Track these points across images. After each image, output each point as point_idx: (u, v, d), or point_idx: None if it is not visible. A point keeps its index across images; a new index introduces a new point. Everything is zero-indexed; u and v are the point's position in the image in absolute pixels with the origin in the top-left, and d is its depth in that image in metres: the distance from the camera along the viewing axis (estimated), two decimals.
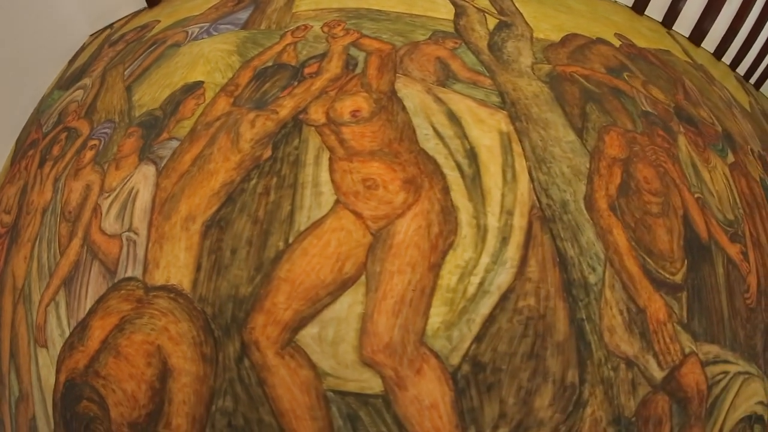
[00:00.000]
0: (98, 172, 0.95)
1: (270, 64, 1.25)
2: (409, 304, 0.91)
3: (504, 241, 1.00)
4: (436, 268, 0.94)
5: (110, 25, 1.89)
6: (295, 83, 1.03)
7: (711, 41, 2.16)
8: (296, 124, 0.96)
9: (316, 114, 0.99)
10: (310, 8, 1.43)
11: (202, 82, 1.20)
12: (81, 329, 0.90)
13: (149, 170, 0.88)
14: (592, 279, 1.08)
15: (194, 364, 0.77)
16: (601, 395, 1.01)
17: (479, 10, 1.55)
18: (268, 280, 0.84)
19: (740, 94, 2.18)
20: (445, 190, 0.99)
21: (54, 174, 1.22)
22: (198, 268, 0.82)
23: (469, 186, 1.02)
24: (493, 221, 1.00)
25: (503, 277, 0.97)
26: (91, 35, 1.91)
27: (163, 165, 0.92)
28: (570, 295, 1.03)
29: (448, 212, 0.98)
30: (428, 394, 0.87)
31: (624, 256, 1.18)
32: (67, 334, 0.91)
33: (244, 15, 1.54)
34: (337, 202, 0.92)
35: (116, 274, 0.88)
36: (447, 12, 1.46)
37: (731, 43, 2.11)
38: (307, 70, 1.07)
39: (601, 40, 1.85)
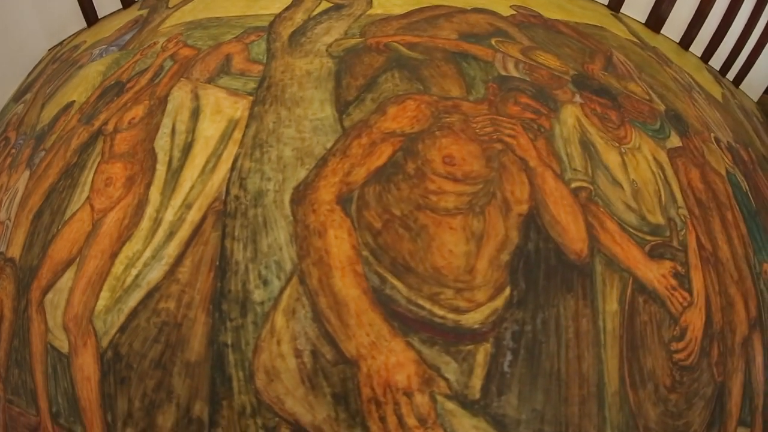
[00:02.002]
0: (7, 175, 1.11)
1: (113, 82, 1.11)
2: (92, 285, 0.73)
3: (170, 236, 0.66)
4: (114, 257, 0.71)
5: (61, 42, 1.53)
6: (115, 98, 0.93)
7: (699, 44, 1.58)
8: (98, 134, 0.87)
9: (111, 124, 0.89)
10: (171, 24, 1.22)
11: (74, 101, 1.13)
12: None
13: (26, 174, 1.00)
14: (258, 295, 0.58)
15: (10, 313, 0.83)
16: None
17: None
18: (43, 255, 0.82)
19: (712, 86, 1.51)
20: (148, 185, 0.73)
21: None
22: (24, 246, 0.87)
23: (168, 180, 0.72)
24: (169, 215, 0.67)
25: (154, 274, 0.64)
26: (49, 50, 1.55)
27: (33, 170, 1.01)
28: (218, 310, 0.57)
29: (141, 206, 0.72)
30: (86, 367, 0.68)
31: (335, 272, 0.56)
32: None
33: (128, 36, 1.27)
34: (87, 198, 0.79)
35: None
36: (280, 6, 1.04)
37: (718, 45, 1.56)
38: (128, 85, 0.96)
39: (478, 10, 1.18)
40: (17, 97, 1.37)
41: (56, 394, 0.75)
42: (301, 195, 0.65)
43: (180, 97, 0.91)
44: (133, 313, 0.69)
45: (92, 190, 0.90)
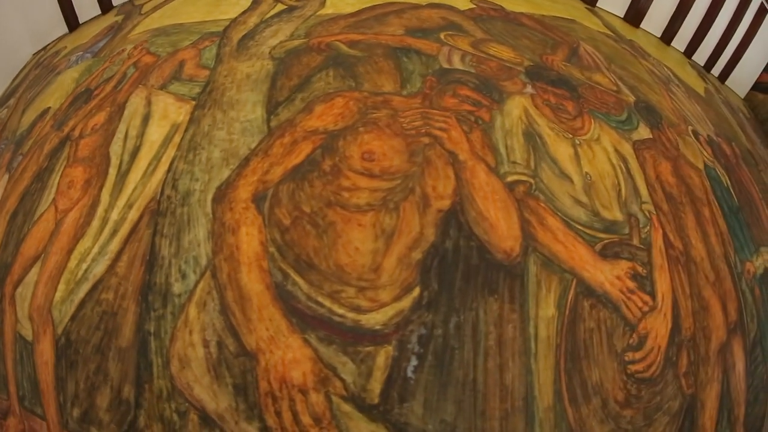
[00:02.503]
0: None
1: (83, 89, 1.19)
2: (52, 279, 0.86)
3: (114, 233, 0.78)
4: (69, 253, 0.83)
5: (45, 47, 1.57)
6: (83, 105, 1.05)
7: (684, 39, 1.65)
8: (66, 139, 1.00)
9: (77, 130, 1.02)
10: (140, 31, 1.31)
11: (50, 108, 1.19)
12: None
13: (5, 178, 1.14)
14: (177, 288, 0.68)
15: None
16: None
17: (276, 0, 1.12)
18: (16, 253, 0.95)
19: (695, 81, 1.55)
20: (101, 187, 0.85)
21: None
22: (0, 245, 1.01)
23: (117, 182, 0.84)
24: (114, 214, 0.79)
25: (99, 268, 0.77)
26: (34, 54, 1.58)
27: (11, 174, 1.14)
28: (145, 300, 0.67)
29: (94, 206, 0.84)
30: (45, 352, 0.82)
31: (242, 267, 0.65)
32: None
33: (102, 43, 1.32)
34: (53, 199, 0.92)
35: None
36: (239, 10, 1.12)
37: (701, 40, 1.64)
38: (95, 92, 1.07)
39: (433, 5, 1.21)
40: (2, 102, 1.46)
41: (22, 378, 0.87)
42: (222, 194, 0.71)
43: (135, 103, 1.01)
44: (82, 304, 0.79)
45: (57, 192, 1.02)
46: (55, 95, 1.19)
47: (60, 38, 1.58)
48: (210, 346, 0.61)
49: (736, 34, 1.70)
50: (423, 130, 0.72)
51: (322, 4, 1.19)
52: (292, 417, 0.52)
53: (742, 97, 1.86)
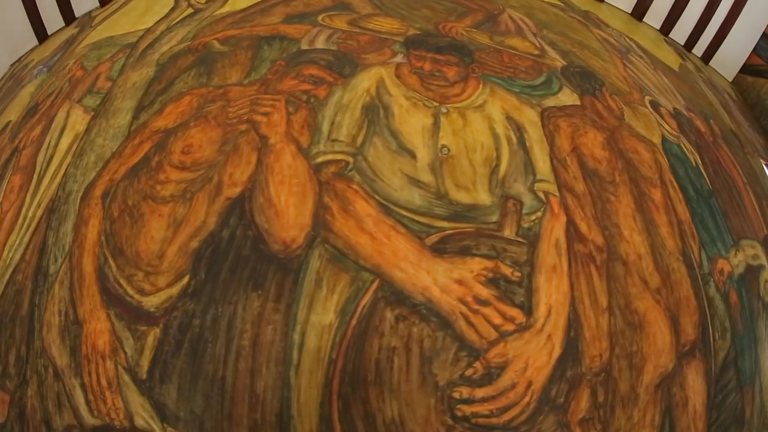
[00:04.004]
0: None
1: (33, 104, 1.57)
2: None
3: (28, 228, 1.23)
4: (4, 245, 1.26)
5: (19, 59, 1.80)
6: (30, 119, 1.45)
7: (659, 18, 1.90)
8: (14, 150, 1.42)
9: (22, 142, 1.46)
10: (83, 45, 1.68)
11: (10, 121, 1.59)
12: None
13: None
14: (51, 269, 1.07)
15: None
16: (35, 387, 0.99)
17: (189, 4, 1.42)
18: None
19: (669, 56, 1.69)
20: (27, 191, 1.29)
21: None
22: None
23: (35, 186, 1.26)
24: (30, 212, 1.22)
25: (17, 256, 1.27)
26: (11, 65, 1.81)
27: None
28: (36, 279, 1.06)
29: (20, 207, 1.34)
30: None
31: (85, 252, 1.00)
32: None
33: (57, 57, 1.64)
34: (1, 203, 1.33)
35: None
36: (157, 19, 1.47)
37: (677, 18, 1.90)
38: (39, 107, 1.48)
39: None
40: None
41: None
42: (86, 193, 1.02)
43: (59, 117, 1.41)
44: (6, 284, 1.21)
45: (4, 196, 1.45)
46: (16, 109, 1.53)
47: (32, 50, 1.86)
48: (62, 315, 0.91)
49: (717, 13, 1.80)
50: (245, 118, 0.86)
51: (223, 3, 1.44)
52: (97, 378, 0.75)
53: (730, 80, 1.88)
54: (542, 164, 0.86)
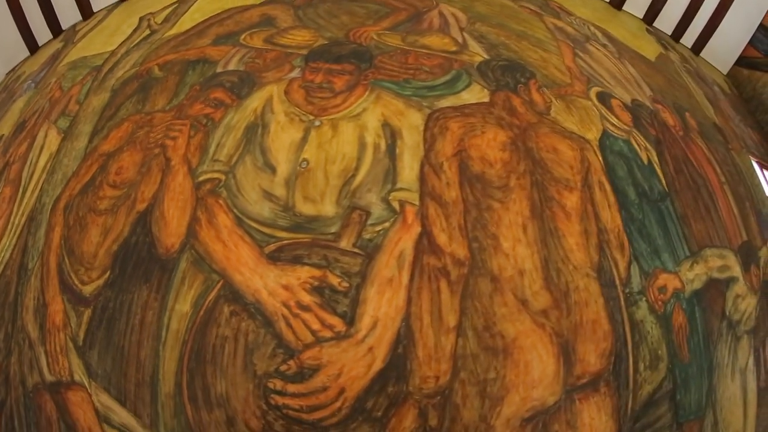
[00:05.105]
0: None
1: (22, 120, 2.12)
2: None
3: (15, 233, 1.72)
4: None
5: (13, 69, 2.19)
6: (19, 135, 1.92)
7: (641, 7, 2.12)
8: (6, 164, 1.90)
9: (11, 157, 1.95)
10: (64, 63, 2.17)
11: (3, 135, 2.16)
12: None
13: None
14: (30, 265, 1.57)
15: None
16: (16, 356, 1.46)
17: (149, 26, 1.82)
18: None
19: (648, 46, 1.84)
20: (15, 201, 1.86)
21: None
22: None
23: (21, 197, 1.91)
24: (17, 220, 1.78)
25: (7, 255, 1.86)
26: (7, 74, 2.21)
27: None
28: (19, 273, 1.58)
29: (9, 215, 1.90)
30: None
31: (51, 252, 1.48)
32: None
33: (44, 72, 2.11)
34: None
35: None
36: (121, 39, 1.86)
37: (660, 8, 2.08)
38: (26, 124, 1.97)
39: (268, 2, 1.67)
40: None
41: None
42: (54, 205, 1.46)
43: (40, 136, 1.90)
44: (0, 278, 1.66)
45: None
46: (8, 123, 2.12)
47: (24, 60, 2.28)
48: (35, 300, 1.35)
49: (708, 3, 1.90)
50: (159, 142, 1.21)
51: (172, 25, 1.80)
52: (54, 346, 1.17)
53: (725, 72, 1.96)
54: (408, 171, 0.93)
